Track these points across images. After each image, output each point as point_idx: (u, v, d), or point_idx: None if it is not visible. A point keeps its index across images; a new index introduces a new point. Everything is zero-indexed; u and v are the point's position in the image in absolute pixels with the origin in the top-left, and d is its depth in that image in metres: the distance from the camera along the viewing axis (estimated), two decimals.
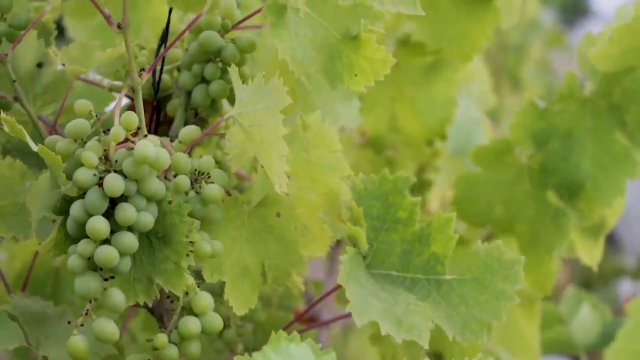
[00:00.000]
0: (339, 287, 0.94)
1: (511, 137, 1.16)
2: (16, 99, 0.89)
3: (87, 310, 0.77)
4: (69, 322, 0.82)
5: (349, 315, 1.05)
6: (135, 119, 0.78)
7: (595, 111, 1.11)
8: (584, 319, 1.71)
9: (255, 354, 0.65)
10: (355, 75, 0.83)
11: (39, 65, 0.92)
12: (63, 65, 0.90)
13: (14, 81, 0.88)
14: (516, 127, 1.15)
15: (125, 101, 0.90)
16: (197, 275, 0.94)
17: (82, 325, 0.78)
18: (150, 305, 0.81)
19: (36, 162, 0.89)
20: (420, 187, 1.40)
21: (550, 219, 1.16)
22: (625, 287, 3.10)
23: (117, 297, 0.77)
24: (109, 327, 0.77)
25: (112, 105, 1.07)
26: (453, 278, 0.88)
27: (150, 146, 0.75)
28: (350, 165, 0.89)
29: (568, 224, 1.15)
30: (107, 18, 0.79)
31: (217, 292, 1.02)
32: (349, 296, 0.82)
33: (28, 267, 1.00)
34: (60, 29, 0.97)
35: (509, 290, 0.87)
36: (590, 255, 1.23)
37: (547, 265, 1.18)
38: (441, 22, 1.23)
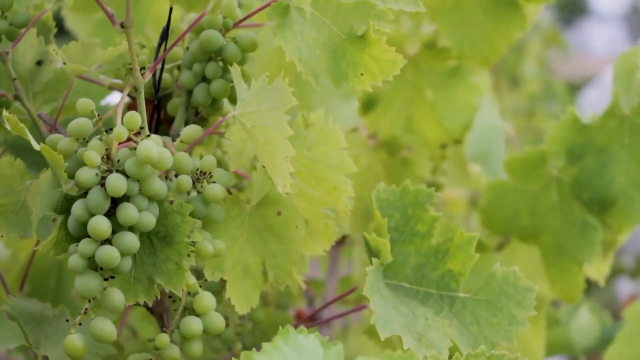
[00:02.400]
0: (347, 293, 0.94)
1: (548, 149, 1.16)
2: (16, 97, 0.89)
3: (86, 309, 0.77)
4: (67, 321, 0.82)
5: (348, 313, 1.05)
6: (138, 118, 0.77)
7: (634, 129, 1.13)
8: (583, 321, 1.71)
9: (265, 344, 0.66)
10: (361, 74, 0.83)
11: (39, 63, 0.92)
12: (64, 63, 0.90)
13: (15, 79, 0.88)
14: (554, 139, 1.15)
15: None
16: (198, 274, 0.94)
17: (80, 324, 0.77)
18: (150, 304, 0.81)
19: (33, 161, 0.88)
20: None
21: (577, 231, 1.17)
22: (624, 286, 3.11)
23: (117, 297, 0.77)
24: (107, 327, 0.76)
25: (107, 99, 1.07)
26: (467, 297, 0.88)
27: (153, 146, 0.75)
28: (363, 167, 0.89)
29: (597, 236, 1.16)
30: (111, 17, 0.79)
31: (215, 290, 1.02)
32: (373, 308, 0.82)
33: (32, 262, 1.00)
34: (59, 23, 0.97)
35: (521, 315, 0.87)
36: (598, 270, 1.24)
37: (574, 275, 1.19)
38: (465, 26, 1.23)
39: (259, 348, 0.70)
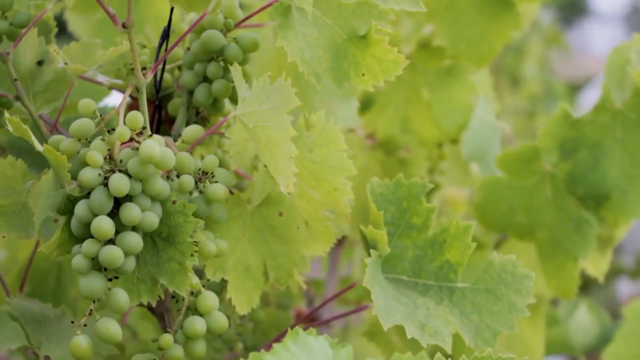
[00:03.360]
0: (346, 289, 0.94)
1: (540, 144, 1.16)
2: (17, 97, 0.89)
3: (91, 310, 0.77)
4: (72, 322, 0.82)
5: (348, 313, 1.05)
6: (140, 118, 0.77)
7: (626, 123, 1.13)
8: (581, 320, 1.71)
9: (275, 345, 0.66)
10: (363, 74, 0.83)
11: (39, 63, 0.92)
12: (65, 64, 0.90)
13: (16, 80, 0.88)
14: (546, 134, 1.16)
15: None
16: (199, 274, 0.94)
17: (85, 325, 0.77)
18: (153, 305, 0.81)
19: (33, 161, 0.88)
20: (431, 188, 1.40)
21: (572, 227, 1.17)
22: (624, 286, 3.11)
23: (121, 297, 0.77)
24: (112, 328, 0.77)
25: (106, 100, 1.07)
26: (466, 286, 0.89)
27: (156, 146, 0.75)
28: (361, 166, 0.88)
29: (592, 231, 1.17)
30: (112, 17, 0.79)
31: (216, 290, 1.02)
32: (374, 299, 0.82)
33: (31, 262, 1.00)
34: (61, 25, 0.96)
35: (521, 303, 0.88)
36: (597, 266, 1.24)
37: (570, 271, 1.19)
38: (461, 25, 1.23)
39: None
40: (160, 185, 0.78)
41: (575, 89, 4.09)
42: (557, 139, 1.15)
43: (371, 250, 0.86)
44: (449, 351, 0.82)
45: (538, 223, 1.20)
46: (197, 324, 0.82)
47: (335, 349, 0.69)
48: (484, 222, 1.24)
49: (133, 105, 0.94)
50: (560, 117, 1.14)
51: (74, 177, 0.76)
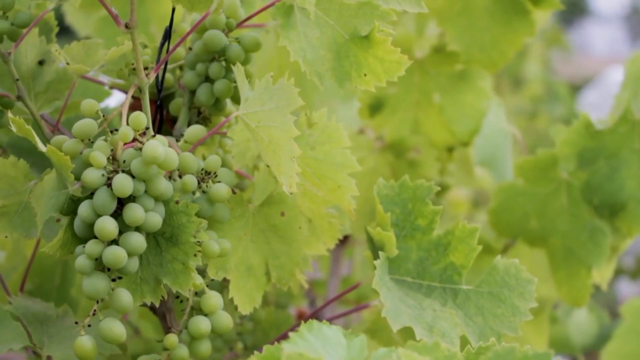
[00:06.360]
0: (349, 290, 0.94)
1: (560, 153, 1.17)
2: (19, 97, 0.89)
3: (94, 310, 0.77)
4: (76, 323, 0.82)
5: (349, 312, 1.05)
6: (144, 119, 0.77)
7: None
8: (580, 319, 1.72)
9: (291, 334, 0.67)
10: (365, 74, 0.83)
11: (41, 63, 0.92)
12: (67, 64, 0.90)
13: (17, 80, 0.88)
14: (566, 143, 1.16)
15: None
16: (202, 274, 0.94)
17: (89, 325, 0.77)
18: (157, 305, 0.81)
19: (34, 161, 0.88)
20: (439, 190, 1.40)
21: (586, 235, 1.18)
22: (624, 287, 3.11)
23: (125, 297, 0.77)
24: (116, 328, 0.77)
25: (107, 101, 1.07)
26: (470, 289, 0.89)
27: (159, 146, 0.75)
28: (370, 168, 0.88)
29: (606, 240, 1.17)
30: (115, 17, 0.79)
31: (217, 290, 1.02)
32: (383, 301, 0.82)
33: (36, 259, 1.00)
34: (62, 24, 0.96)
35: (524, 306, 0.88)
36: (602, 275, 1.24)
37: (582, 279, 1.19)
38: (474, 30, 1.23)
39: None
40: (164, 186, 0.78)
41: (575, 89, 4.09)
42: (577, 147, 1.16)
43: (380, 253, 0.86)
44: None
45: (552, 230, 1.20)
46: (202, 324, 0.82)
47: (349, 338, 0.70)
48: (497, 227, 1.24)
49: (134, 106, 0.94)
50: (582, 126, 1.15)
51: (77, 178, 0.76)
